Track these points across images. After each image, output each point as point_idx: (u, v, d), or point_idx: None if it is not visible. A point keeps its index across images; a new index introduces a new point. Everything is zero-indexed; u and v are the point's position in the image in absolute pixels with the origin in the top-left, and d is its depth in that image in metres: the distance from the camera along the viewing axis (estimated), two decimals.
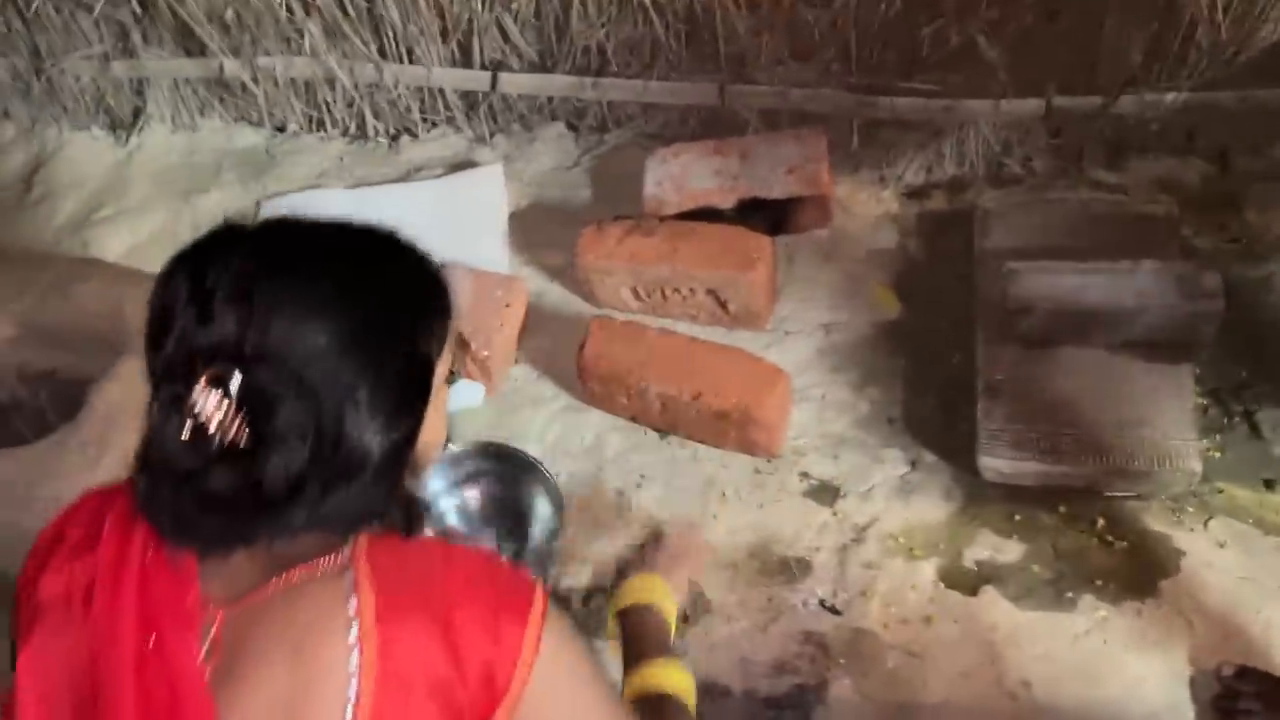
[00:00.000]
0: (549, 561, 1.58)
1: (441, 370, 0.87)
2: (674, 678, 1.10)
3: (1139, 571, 1.52)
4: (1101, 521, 1.56)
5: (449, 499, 1.63)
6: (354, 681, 0.75)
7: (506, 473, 1.62)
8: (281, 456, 0.75)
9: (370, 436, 0.78)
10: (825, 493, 1.66)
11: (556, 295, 1.98)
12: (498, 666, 0.79)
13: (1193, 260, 1.70)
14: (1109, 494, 1.58)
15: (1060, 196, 1.82)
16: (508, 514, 1.62)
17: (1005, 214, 1.81)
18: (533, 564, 1.56)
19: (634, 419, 1.77)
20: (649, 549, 1.43)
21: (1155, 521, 1.56)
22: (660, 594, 1.23)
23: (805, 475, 1.69)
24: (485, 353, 1.76)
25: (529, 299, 1.90)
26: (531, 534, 1.60)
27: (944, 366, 1.76)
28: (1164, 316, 1.56)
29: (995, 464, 1.58)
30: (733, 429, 1.66)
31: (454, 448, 1.62)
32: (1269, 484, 1.57)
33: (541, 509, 1.60)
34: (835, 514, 1.64)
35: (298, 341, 0.75)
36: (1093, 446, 1.54)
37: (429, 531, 1.61)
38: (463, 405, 1.80)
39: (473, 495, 1.63)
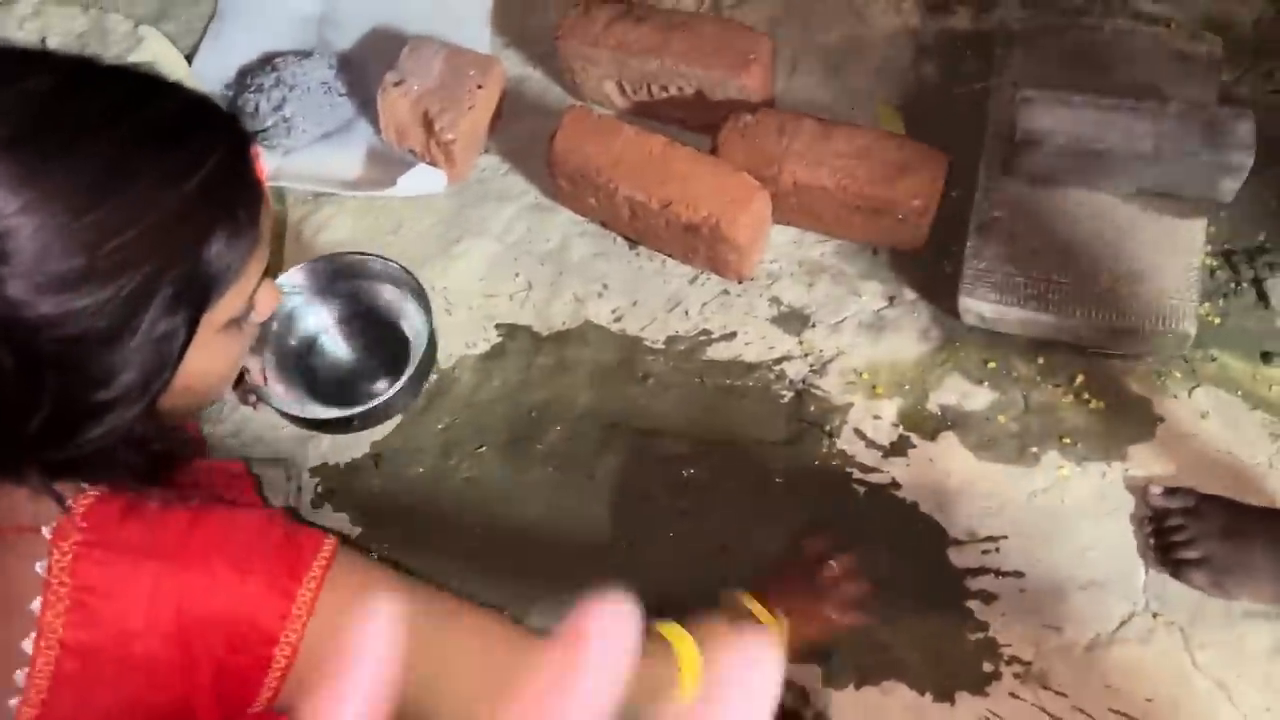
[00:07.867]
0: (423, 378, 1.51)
1: (231, 300, 0.73)
2: (688, 652, 0.95)
3: (1111, 434, 1.43)
4: (1081, 378, 1.47)
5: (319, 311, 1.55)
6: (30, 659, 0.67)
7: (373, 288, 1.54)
8: None
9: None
10: (793, 320, 1.56)
11: (538, 84, 1.83)
12: (252, 633, 0.69)
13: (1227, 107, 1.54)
14: (1093, 350, 1.48)
15: (1094, 23, 1.63)
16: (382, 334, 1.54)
17: (1031, 36, 1.64)
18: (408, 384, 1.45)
19: (604, 224, 1.66)
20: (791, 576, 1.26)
21: (1137, 384, 1.46)
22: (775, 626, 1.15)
23: (775, 300, 1.58)
24: (450, 136, 1.63)
25: (506, 84, 1.76)
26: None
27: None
28: (1183, 165, 1.42)
29: (976, 306, 1.47)
30: (702, 245, 1.55)
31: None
32: (1266, 356, 1.46)
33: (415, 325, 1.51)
34: (800, 343, 1.55)
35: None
36: (1083, 298, 1.43)
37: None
38: (422, 191, 1.69)
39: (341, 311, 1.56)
